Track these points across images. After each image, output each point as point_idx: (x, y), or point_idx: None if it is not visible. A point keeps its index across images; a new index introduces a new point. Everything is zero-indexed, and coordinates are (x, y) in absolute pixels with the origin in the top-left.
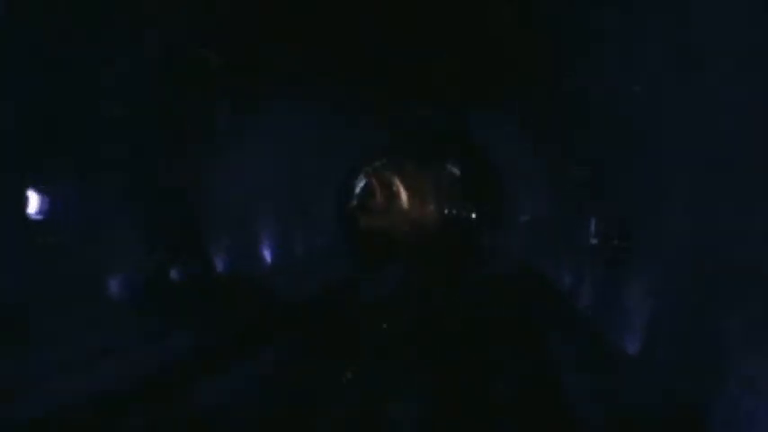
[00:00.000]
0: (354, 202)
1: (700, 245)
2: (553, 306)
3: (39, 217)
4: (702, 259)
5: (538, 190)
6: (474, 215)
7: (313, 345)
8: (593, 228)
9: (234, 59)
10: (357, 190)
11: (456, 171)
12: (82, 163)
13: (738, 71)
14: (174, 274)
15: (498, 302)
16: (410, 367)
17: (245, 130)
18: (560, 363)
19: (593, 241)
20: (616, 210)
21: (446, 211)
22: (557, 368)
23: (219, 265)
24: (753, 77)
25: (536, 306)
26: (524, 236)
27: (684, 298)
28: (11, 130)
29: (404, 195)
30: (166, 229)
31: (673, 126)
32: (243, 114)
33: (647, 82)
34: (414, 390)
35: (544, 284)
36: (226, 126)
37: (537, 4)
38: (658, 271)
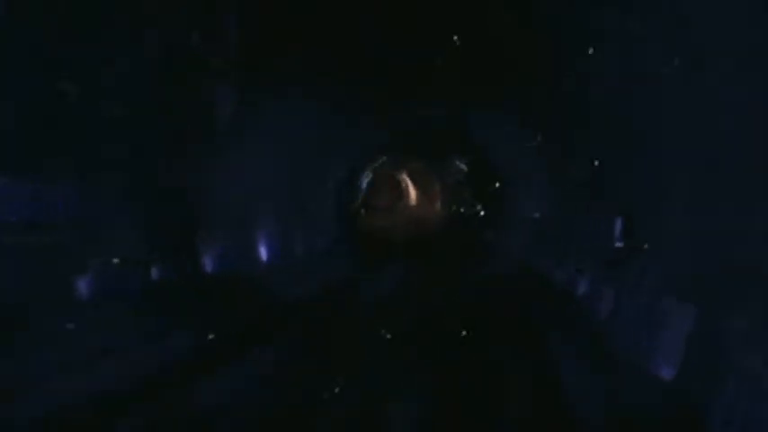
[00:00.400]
0: (358, 202)
1: (700, 245)
2: (553, 306)
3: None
4: (702, 259)
5: (538, 190)
6: (477, 214)
7: (313, 345)
8: (617, 231)
9: (234, 59)
10: (361, 189)
11: (462, 170)
12: (82, 163)
13: (738, 71)
14: (173, 273)
15: (498, 302)
16: (410, 367)
17: (245, 130)
18: (560, 363)
19: (619, 244)
20: (616, 209)
21: (452, 210)
22: (557, 368)
23: (219, 264)
24: (753, 77)
25: (536, 306)
26: (524, 236)
27: (684, 298)
28: (11, 130)
29: (408, 195)
30: (166, 229)
31: (673, 126)
32: (243, 114)
33: (647, 82)
34: (414, 390)
35: (544, 284)
36: (226, 126)
37: (537, 4)
38: (658, 271)
